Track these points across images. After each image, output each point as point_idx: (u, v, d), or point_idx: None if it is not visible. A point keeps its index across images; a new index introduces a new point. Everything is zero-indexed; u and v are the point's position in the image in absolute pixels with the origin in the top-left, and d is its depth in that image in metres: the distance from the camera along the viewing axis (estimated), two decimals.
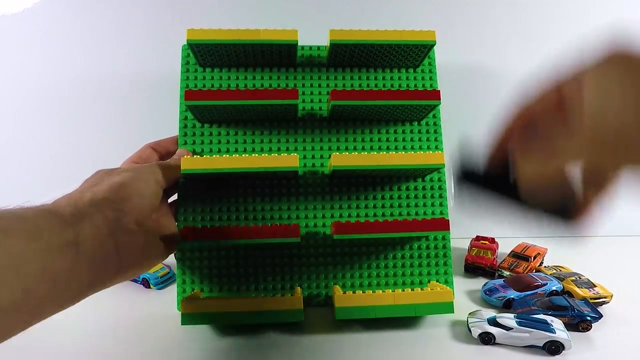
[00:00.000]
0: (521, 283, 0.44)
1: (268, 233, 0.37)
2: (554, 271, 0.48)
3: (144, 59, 0.49)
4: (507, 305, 0.42)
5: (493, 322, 0.36)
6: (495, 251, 0.49)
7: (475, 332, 0.36)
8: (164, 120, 0.45)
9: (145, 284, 0.47)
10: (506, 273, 0.48)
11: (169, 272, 0.48)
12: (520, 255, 0.50)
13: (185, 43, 0.44)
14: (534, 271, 0.49)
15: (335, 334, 0.38)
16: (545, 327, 0.35)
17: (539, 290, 0.43)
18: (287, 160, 0.37)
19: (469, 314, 0.39)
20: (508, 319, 0.36)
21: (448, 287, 0.39)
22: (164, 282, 0.47)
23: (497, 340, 0.36)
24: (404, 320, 0.39)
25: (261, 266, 0.41)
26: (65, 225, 0.26)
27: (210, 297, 0.37)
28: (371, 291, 0.38)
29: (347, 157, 0.38)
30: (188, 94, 0.38)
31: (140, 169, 0.34)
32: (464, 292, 0.45)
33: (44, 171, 0.52)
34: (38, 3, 0.47)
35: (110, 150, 0.50)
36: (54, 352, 0.35)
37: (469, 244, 0.51)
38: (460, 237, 0.44)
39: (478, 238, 0.51)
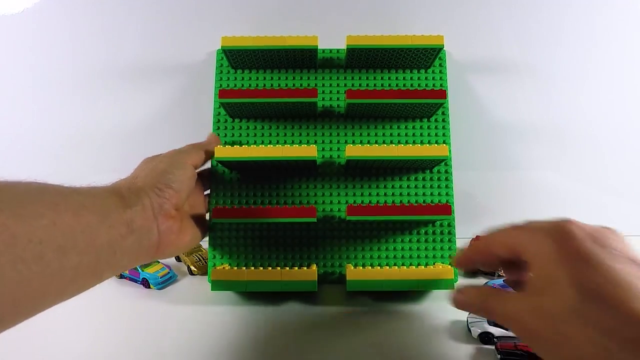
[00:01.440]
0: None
1: (288, 213, 0.42)
2: None
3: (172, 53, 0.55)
4: None
5: (493, 321, 0.36)
6: None
7: (475, 332, 0.37)
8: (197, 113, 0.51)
9: (145, 283, 0.47)
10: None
11: (168, 272, 0.48)
12: None
13: (220, 49, 0.50)
14: None
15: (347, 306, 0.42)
16: None
17: None
18: (306, 150, 0.43)
19: (469, 313, 0.39)
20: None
21: (450, 266, 0.43)
22: (164, 282, 0.47)
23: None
24: (403, 318, 0.41)
25: (282, 245, 0.47)
26: (125, 206, 0.31)
27: (237, 269, 0.43)
28: (379, 267, 0.43)
29: (359, 149, 0.43)
30: (222, 93, 0.44)
31: (177, 153, 0.39)
32: None
33: (59, 165, 0.57)
34: None
35: (141, 142, 0.56)
36: (53, 352, 0.36)
37: (468, 243, 0.51)
38: (460, 237, 0.46)
39: (478, 238, 0.49)
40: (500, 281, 0.45)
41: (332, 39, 0.49)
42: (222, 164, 0.46)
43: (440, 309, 0.42)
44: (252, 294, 0.45)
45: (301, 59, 0.48)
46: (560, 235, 0.23)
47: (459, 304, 0.28)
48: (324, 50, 0.50)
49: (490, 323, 0.37)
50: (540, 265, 0.23)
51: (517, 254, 0.25)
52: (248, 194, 0.48)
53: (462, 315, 0.39)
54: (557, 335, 0.21)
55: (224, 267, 0.44)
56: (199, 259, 0.51)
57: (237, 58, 0.47)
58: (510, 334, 0.35)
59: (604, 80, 0.56)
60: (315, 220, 0.42)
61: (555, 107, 0.55)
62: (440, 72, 0.50)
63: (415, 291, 0.45)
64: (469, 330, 0.38)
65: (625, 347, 0.18)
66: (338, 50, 0.51)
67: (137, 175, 0.36)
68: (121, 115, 0.55)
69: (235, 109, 0.46)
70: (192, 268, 0.50)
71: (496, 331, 0.36)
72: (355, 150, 0.42)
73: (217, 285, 0.42)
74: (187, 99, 0.55)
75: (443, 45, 0.45)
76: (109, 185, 0.33)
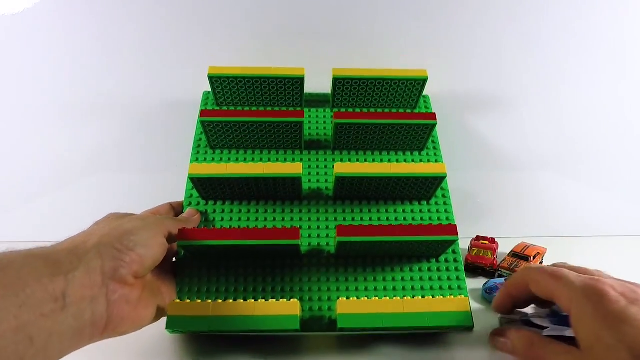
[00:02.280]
0: None
1: (267, 235, 0.36)
2: None
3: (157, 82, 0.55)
4: None
5: (527, 322, 0.35)
6: (495, 251, 0.49)
7: None
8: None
9: None
10: (506, 273, 0.47)
11: None
12: (519, 255, 0.49)
13: (206, 91, 0.51)
14: None
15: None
16: None
17: None
18: (291, 167, 0.39)
19: (500, 315, 0.37)
20: (541, 318, 0.34)
21: (463, 296, 0.35)
22: None
23: None
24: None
25: (261, 283, 0.39)
26: (55, 274, 0.24)
27: (200, 302, 0.34)
28: (377, 297, 0.35)
29: (349, 166, 0.39)
30: (203, 113, 0.42)
31: (151, 219, 0.34)
32: None
33: (42, 177, 0.54)
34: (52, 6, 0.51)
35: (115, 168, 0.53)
36: None
37: (469, 244, 0.50)
38: (460, 237, 0.41)
39: (478, 238, 0.50)
40: (501, 280, 0.45)
41: (317, 85, 0.50)
42: (195, 187, 0.41)
43: None
44: (220, 340, 0.35)
45: (287, 93, 0.48)
46: (596, 296, 0.25)
47: (504, 349, 0.31)
48: (311, 94, 0.51)
49: (524, 324, 0.34)
50: (583, 325, 0.25)
51: (553, 300, 0.28)
52: (223, 226, 0.42)
53: None
54: None
55: (186, 301, 0.35)
56: None
57: (222, 90, 0.47)
58: (551, 333, 0.32)
59: (595, 100, 0.56)
60: (298, 242, 0.36)
61: (554, 133, 0.55)
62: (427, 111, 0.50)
63: (422, 335, 0.36)
64: None
65: None
66: (325, 95, 0.51)
67: (93, 233, 0.30)
68: (100, 148, 0.53)
69: (216, 134, 0.44)
70: None
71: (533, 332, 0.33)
72: (345, 168, 0.39)
73: (174, 323, 0.33)
74: (170, 137, 0.53)
75: (427, 77, 0.46)
76: (40, 248, 0.26)
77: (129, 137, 0.53)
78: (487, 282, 0.45)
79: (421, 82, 0.46)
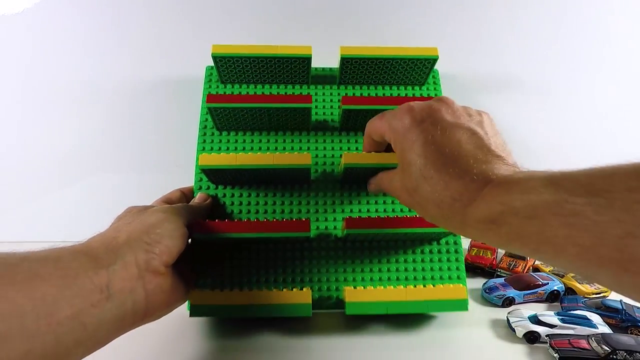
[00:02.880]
0: (522, 282, 0.45)
1: (279, 227, 0.37)
2: (553, 268, 0.48)
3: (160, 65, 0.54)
4: (507, 304, 0.43)
5: (535, 320, 0.37)
6: (495, 251, 0.50)
7: (520, 331, 0.37)
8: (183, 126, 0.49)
9: None
10: (505, 273, 0.48)
11: None
12: (516, 255, 0.50)
13: (209, 65, 0.49)
14: (531, 270, 0.49)
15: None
16: (587, 322, 0.37)
17: (539, 290, 0.44)
18: (300, 158, 0.39)
19: (508, 313, 0.40)
20: (550, 316, 0.38)
21: (461, 284, 0.38)
22: None
23: (542, 339, 0.37)
24: (438, 320, 0.40)
25: (272, 266, 0.41)
26: (98, 267, 0.27)
27: (219, 291, 0.37)
28: (382, 287, 0.38)
29: (357, 156, 0.40)
30: (210, 98, 0.41)
31: (171, 210, 0.35)
32: None
33: (47, 172, 0.54)
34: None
35: (123, 156, 0.53)
36: None
37: (469, 243, 0.51)
38: (461, 237, 0.44)
39: None
40: (501, 280, 0.46)
41: (325, 60, 0.48)
42: (205, 174, 0.42)
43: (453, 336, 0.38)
44: (237, 321, 0.39)
45: (293, 72, 0.46)
46: (402, 125, 0.30)
47: (369, 187, 0.40)
48: (317, 69, 0.49)
49: (532, 321, 0.38)
50: (396, 150, 0.31)
51: (385, 138, 0.33)
52: (233, 210, 0.43)
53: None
54: (420, 204, 0.28)
55: (204, 290, 0.38)
56: None
57: (226, 69, 0.46)
58: (560, 331, 0.36)
59: (601, 90, 0.55)
60: (309, 234, 0.38)
61: (554, 121, 0.55)
62: (435, 89, 0.50)
63: (422, 315, 0.39)
64: (512, 330, 0.38)
65: (469, 205, 0.24)
66: (331, 69, 0.50)
67: (120, 228, 0.32)
68: (103, 130, 0.52)
69: (223, 118, 0.43)
70: None
71: (541, 329, 0.37)
72: (353, 158, 0.40)
73: (197, 310, 0.36)
74: (174, 116, 0.53)
75: (437, 56, 0.45)
76: (78, 245, 0.29)
77: (134, 121, 0.52)
78: (486, 282, 0.46)
79: (431, 61, 0.45)
